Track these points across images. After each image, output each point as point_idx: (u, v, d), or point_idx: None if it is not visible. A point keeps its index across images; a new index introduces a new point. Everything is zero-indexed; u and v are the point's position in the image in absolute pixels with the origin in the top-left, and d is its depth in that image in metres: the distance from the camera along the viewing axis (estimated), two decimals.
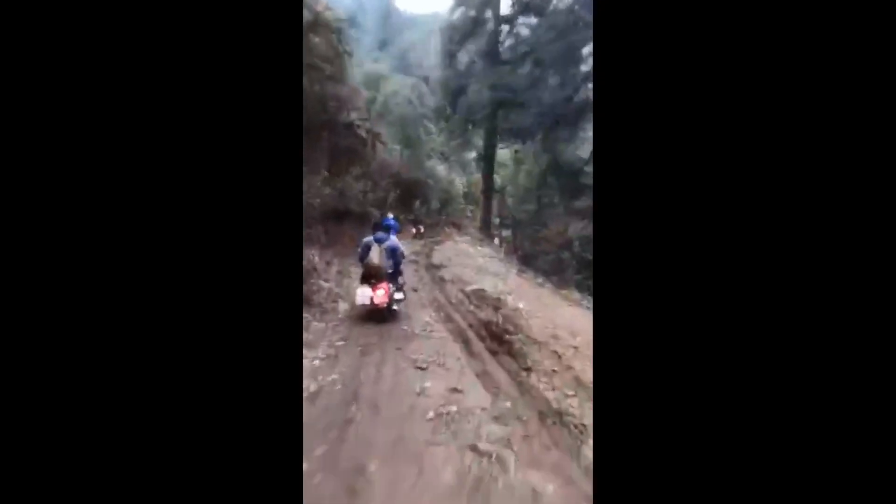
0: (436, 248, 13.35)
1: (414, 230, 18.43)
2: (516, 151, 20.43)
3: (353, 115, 12.32)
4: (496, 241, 17.97)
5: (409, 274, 7.80)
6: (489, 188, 19.59)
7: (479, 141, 21.50)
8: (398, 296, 5.72)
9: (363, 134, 12.39)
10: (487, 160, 19.36)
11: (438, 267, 9.59)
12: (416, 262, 10.36)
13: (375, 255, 5.40)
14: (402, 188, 19.90)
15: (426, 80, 24.54)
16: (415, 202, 21.60)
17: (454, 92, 18.56)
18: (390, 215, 11.87)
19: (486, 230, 19.22)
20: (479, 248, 13.91)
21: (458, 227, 20.18)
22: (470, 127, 19.15)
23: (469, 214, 29.57)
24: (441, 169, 26.50)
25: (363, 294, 5.19)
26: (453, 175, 27.87)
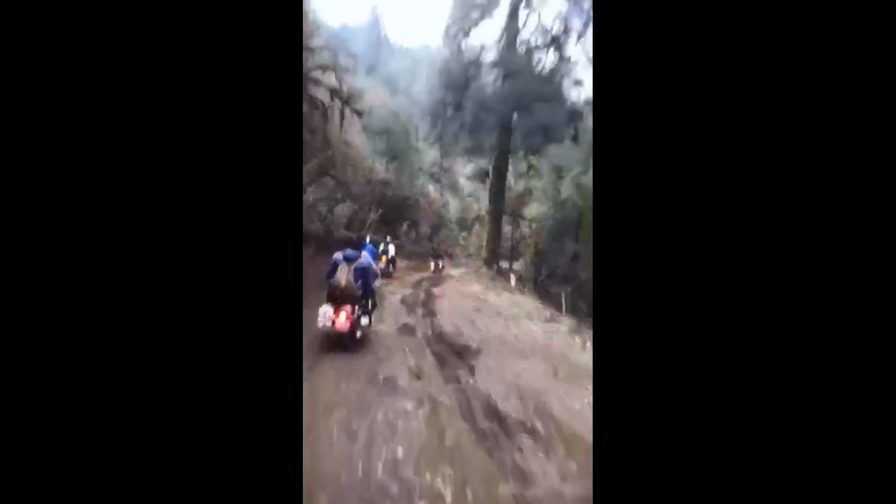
0: (435, 291, 8.83)
1: (433, 264, 13.99)
2: (529, 167, 16.28)
3: (310, 62, 7.54)
4: (512, 279, 13.58)
5: (401, 360, 4.67)
6: (499, 209, 15.31)
7: (470, 158, 17.35)
8: (364, 321, 4.96)
9: (324, 99, 7.67)
10: (498, 173, 15.17)
11: (460, 350, 4.91)
12: (410, 326, 5.84)
13: (343, 276, 4.67)
14: (386, 207, 15.56)
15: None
16: (401, 226, 17.26)
17: (459, 84, 14.48)
18: (368, 240, 10.25)
19: (493, 262, 14.84)
20: (504, 293, 9.42)
21: (450, 256, 15.78)
22: (480, 126, 14.98)
23: (462, 242, 25.52)
24: (432, 189, 22.32)
25: (325, 314, 4.52)
26: (447, 196, 23.74)
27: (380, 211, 14.68)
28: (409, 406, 3.31)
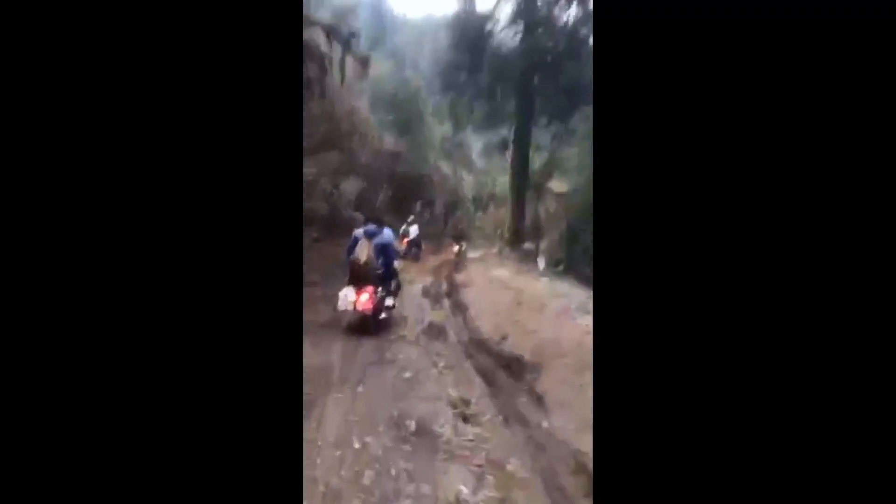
0: (459, 278, 7.53)
1: (456, 248, 12.69)
2: (554, 136, 14.65)
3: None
4: (541, 262, 12.17)
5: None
6: (522, 184, 13.79)
7: (489, 126, 15.72)
8: (388, 302, 4.57)
9: (324, 47, 5.99)
10: (520, 144, 13.61)
11: (509, 363, 3.61)
12: (439, 327, 4.54)
13: (363, 252, 4.28)
14: (398, 185, 14.19)
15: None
16: (414, 205, 15.90)
17: (472, 42, 12.83)
18: (410, 219, 9.91)
19: (517, 243, 13.40)
20: (542, 279, 8.01)
21: (467, 238, 14.39)
22: (498, 91, 13.31)
23: (477, 223, 24.12)
24: (445, 165, 20.82)
25: (346, 297, 4.19)
26: (461, 173, 22.25)
27: (391, 190, 13.33)
28: (464, 486, 2.00)
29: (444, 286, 7.16)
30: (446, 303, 5.93)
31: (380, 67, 19.13)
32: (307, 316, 5.01)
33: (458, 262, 10.51)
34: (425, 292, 6.56)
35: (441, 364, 3.52)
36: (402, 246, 10.52)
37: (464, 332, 4.54)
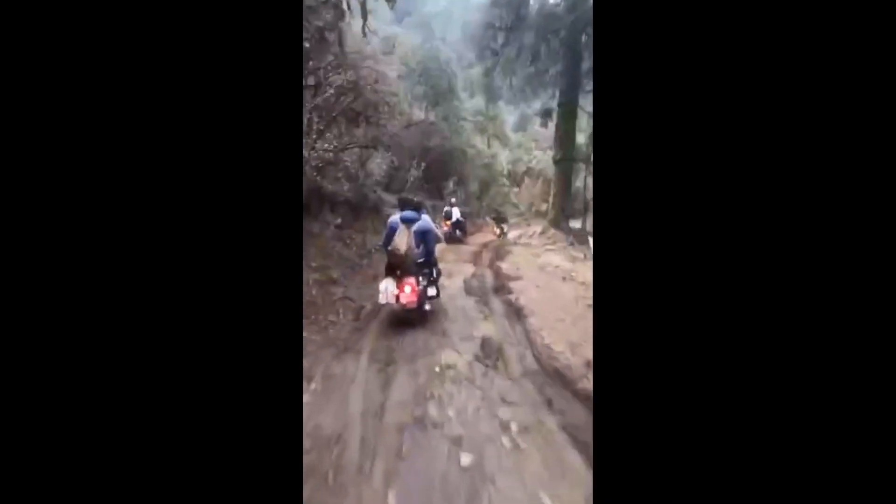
0: (504, 268, 6.36)
1: (497, 229, 11.94)
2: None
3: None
4: (591, 242, 10.83)
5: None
6: (569, 157, 12.25)
7: (534, 93, 14.07)
8: (431, 291, 4.29)
9: None
10: (566, 112, 12.05)
11: None
12: (494, 346, 3.55)
13: (402, 241, 3.91)
14: (429, 162, 12.96)
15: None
16: (447, 183, 14.68)
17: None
18: (453, 200, 9.49)
19: (563, 221, 12.01)
20: None
21: (504, 220, 13.19)
22: (542, 51, 11.67)
23: (514, 200, 22.67)
24: (478, 140, 19.38)
25: (387, 290, 3.85)
26: (495, 147, 20.81)
27: (422, 165, 12.12)
28: None
29: (490, 279, 5.99)
30: (496, 304, 4.75)
31: (408, 39, 17.68)
32: (322, 325, 3.99)
33: (498, 246, 9.35)
34: (468, 289, 5.40)
35: (513, 428, 2.30)
36: (444, 229, 10.08)
37: (527, 352, 3.37)
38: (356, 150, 9.45)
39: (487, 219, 13.91)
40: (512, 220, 15.32)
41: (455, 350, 3.41)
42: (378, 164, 10.30)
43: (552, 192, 13.02)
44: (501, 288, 5.34)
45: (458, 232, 10.38)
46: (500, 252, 8.36)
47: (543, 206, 27.64)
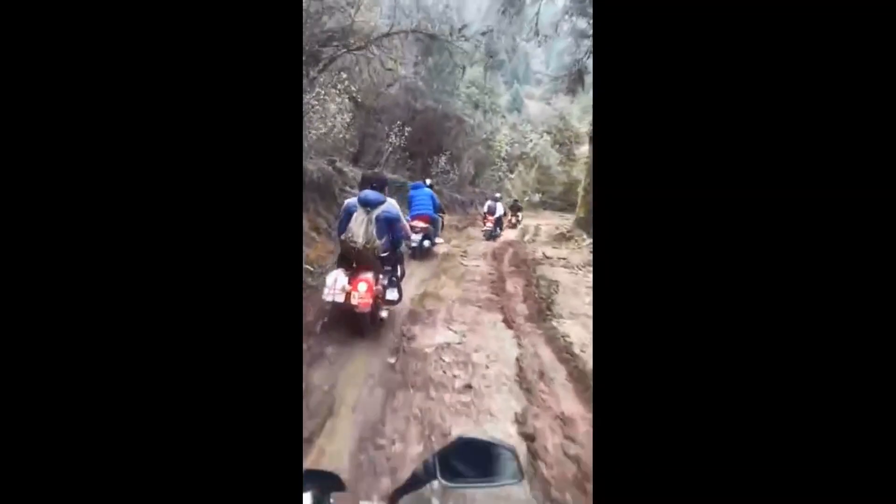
0: (561, 314, 3.22)
1: (511, 217, 10.96)
2: None
3: None
4: None
5: None
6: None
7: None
8: (391, 294, 3.42)
9: None
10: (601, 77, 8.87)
11: None
12: None
13: (360, 228, 3.05)
14: (415, 130, 9.72)
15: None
16: (436, 160, 11.45)
17: None
18: (428, 181, 6.58)
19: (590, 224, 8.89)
20: None
21: (520, 209, 10.85)
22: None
23: (509, 186, 19.58)
24: (473, 114, 15.95)
25: (335, 283, 2.96)
26: (495, 122, 17.47)
27: (406, 130, 8.84)
28: None
29: (523, 302, 2.93)
30: (544, 352, 1.72)
31: None
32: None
33: (514, 252, 6.58)
34: (508, 320, 2.35)
35: None
36: (487, 225, 9.23)
37: None
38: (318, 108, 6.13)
39: (482, 207, 10.91)
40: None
41: None
42: (346, 126, 6.98)
43: (583, 184, 9.83)
44: (547, 316, 2.25)
45: (497, 230, 9.19)
46: (523, 255, 5.23)
47: (536, 197, 24.68)
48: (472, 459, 0.75)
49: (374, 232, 3.04)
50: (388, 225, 3.16)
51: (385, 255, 3.22)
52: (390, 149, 8.84)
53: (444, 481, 0.72)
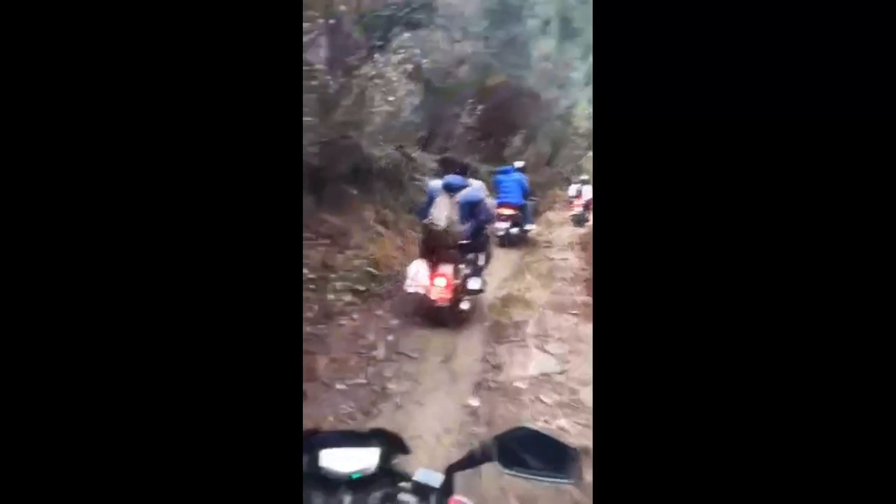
0: None
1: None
2: None
3: None
4: None
5: None
6: None
7: None
8: (473, 284, 3.18)
9: None
10: None
11: None
12: None
13: (442, 213, 2.99)
14: (487, 108, 8.98)
15: None
16: (511, 139, 10.72)
17: None
18: (517, 164, 6.34)
19: None
20: None
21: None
22: None
23: (588, 165, 18.22)
24: (553, 88, 14.75)
25: (417, 275, 2.93)
26: (576, 95, 16.17)
27: (478, 109, 8.16)
28: None
29: None
30: None
31: None
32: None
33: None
34: None
35: None
36: (576, 209, 8.64)
37: None
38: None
39: (569, 190, 10.10)
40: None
41: None
42: (409, 101, 6.41)
43: None
44: None
45: (587, 213, 8.25)
46: None
47: None
48: (533, 450, 0.75)
49: (457, 217, 2.94)
50: (471, 208, 3.01)
51: (467, 241, 3.07)
52: (462, 130, 8.18)
53: (501, 466, 0.73)
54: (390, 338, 2.86)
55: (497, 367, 2.48)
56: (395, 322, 3.09)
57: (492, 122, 9.74)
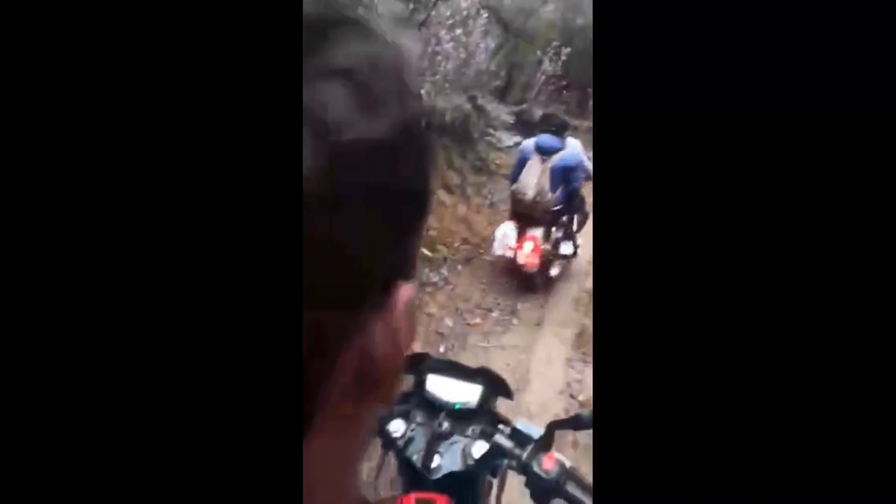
0: None
1: None
2: None
3: None
4: None
5: None
6: None
7: None
8: (565, 248, 3.10)
9: None
10: None
11: None
12: None
13: (531, 179, 2.81)
14: (575, 55, 7.95)
15: None
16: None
17: None
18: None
19: None
20: None
21: None
22: None
23: None
24: None
25: (504, 237, 2.85)
26: None
27: (564, 53, 7.19)
28: None
29: None
30: None
31: None
32: None
33: None
34: None
35: None
36: None
37: None
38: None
39: None
40: None
41: None
42: (482, 44, 5.63)
43: None
44: None
45: None
46: None
47: None
48: None
49: (548, 185, 2.77)
50: (564, 174, 2.86)
51: (557, 208, 2.94)
52: (543, 77, 7.26)
53: None
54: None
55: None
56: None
57: (577, 70, 8.66)
